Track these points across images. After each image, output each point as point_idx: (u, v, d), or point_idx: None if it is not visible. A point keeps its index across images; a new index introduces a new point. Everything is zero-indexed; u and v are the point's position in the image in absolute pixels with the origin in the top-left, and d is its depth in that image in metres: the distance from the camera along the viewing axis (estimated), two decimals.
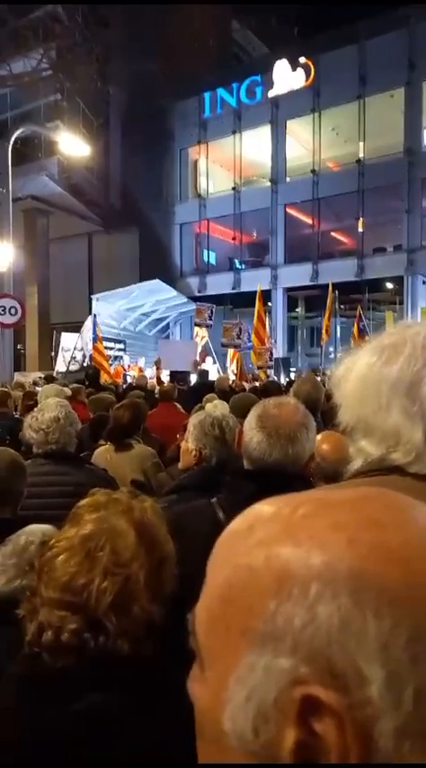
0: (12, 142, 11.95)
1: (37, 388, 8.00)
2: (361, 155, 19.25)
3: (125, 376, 14.04)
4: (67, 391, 5.73)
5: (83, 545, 0.87)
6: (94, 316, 13.60)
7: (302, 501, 0.38)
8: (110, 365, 13.88)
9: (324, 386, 3.21)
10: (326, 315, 13.01)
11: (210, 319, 13.04)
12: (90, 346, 13.74)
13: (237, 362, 12.51)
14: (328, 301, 12.97)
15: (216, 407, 3.50)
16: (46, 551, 0.90)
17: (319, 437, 2.04)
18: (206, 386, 7.88)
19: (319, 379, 5.17)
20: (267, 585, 0.34)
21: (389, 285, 20.48)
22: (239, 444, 1.44)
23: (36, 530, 1.44)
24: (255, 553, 0.35)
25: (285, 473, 1.33)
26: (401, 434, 0.85)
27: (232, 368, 13.13)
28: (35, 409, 2.89)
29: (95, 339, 12.59)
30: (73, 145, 13.41)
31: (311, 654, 0.31)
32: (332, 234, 21.97)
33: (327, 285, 14.82)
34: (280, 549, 0.35)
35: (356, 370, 0.91)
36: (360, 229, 19.53)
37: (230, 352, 12.96)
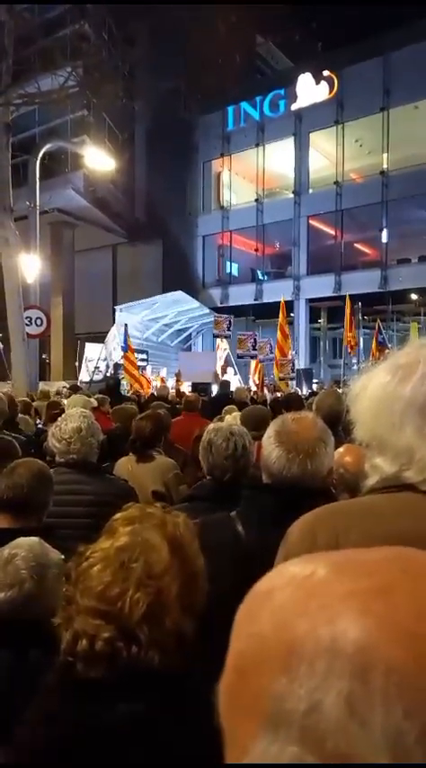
0: (39, 157, 12.24)
1: (62, 399, 8.13)
2: (385, 166, 19.21)
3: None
4: (93, 402, 5.82)
5: (117, 556, 0.89)
6: (125, 326, 13.77)
7: (324, 562, 0.35)
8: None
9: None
10: (347, 327, 12.92)
11: (229, 330, 13.11)
12: (116, 355, 13.88)
13: (259, 373, 12.51)
14: (346, 313, 12.89)
15: (236, 419, 3.52)
16: (82, 561, 0.93)
17: (342, 449, 2.05)
18: (226, 397, 7.90)
19: (341, 391, 5.16)
20: (276, 660, 0.31)
21: (414, 296, 20.30)
22: (258, 458, 1.45)
23: (22, 543, 1.48)
24: (267, 621, 0.33)
25: (304, 488, 1.35)
26: (414, 453, 0.86)
27: (254, 378, 13.14)
28: (59, 419, 2.95)
29: (126, 349, 12.72)
30: (98, 159, 13.67)
31: (317, 742, 0.28)
32: (356, 245, 21.91)
33: (351, 296, 14.78)
34: (292, 618, 0.32)
35: (371, 389, 0.93)
36: (384, 240, 19.43)
37: (253, 363, 12.98)
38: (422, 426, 0.85)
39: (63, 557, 1.42)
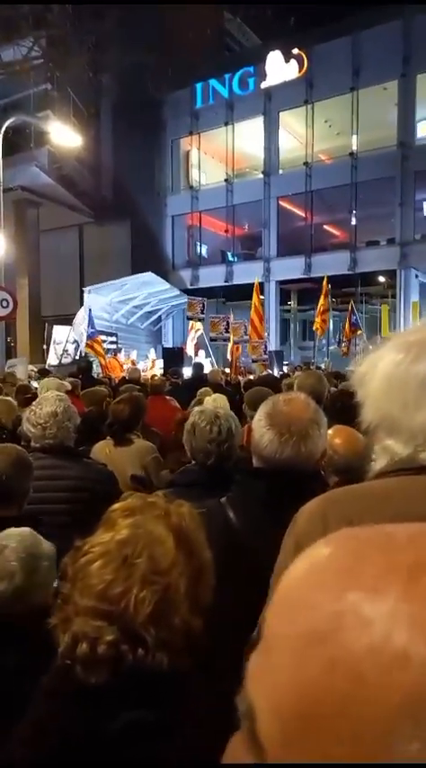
0: (2, 132, 11.78)
1: (32, 383, 7.93)
2: (354, 147, 19.21)
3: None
4: (67, 385, 5.69)
5: (119, 551, 0.83)
6: (89, 310, 13.48)
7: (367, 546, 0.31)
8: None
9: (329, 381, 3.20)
10: (319, 309, 12.98)
11: (202, 312, 13.02)
12: (84, 339, 13.63)
13: (233, 356, 12.50)
14: (322, 296, 12.94)
15: (215, 401, 3.47)
16: (79, 557, 0.86)
17: (331, 431, 2.02)
18: (200, 379, 7.85)
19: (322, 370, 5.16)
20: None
21: (382, 279, 20.52)
22: (248, 442, 1.40)
23: (12, 533, 1.40)
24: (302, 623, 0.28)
25: (298, 472, 1.31)
26: None
27: (233, 360, 13.11)
28: (33, 403, 2.85)
29: (94, 334, 12.48)
30: (63, 135, 13.25)
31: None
32: (325, 227, 21.94)
33: (319, 278, 14.81)
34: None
35: (381, 368, 0.88)
36: (353, 222, 19.53)
37: (229, 345, 12.96)
38: None
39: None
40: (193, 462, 2.19)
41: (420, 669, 0.23)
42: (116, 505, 0.93)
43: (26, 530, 1.43)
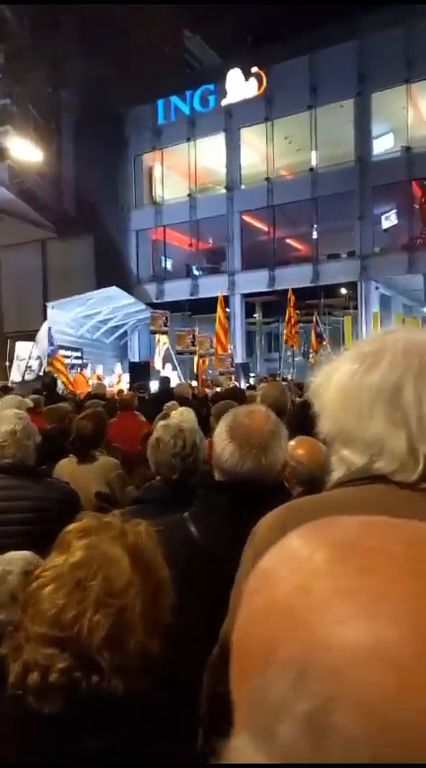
0: None
1: None
2: (314, 163, 19.66)
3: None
4: (28, 402, 5.56)
5: (72, 574, 0.79)
6: (49, 328, 13.28)
7: (326, 541, 0.32)
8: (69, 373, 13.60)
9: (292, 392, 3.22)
10: (287, 320, 13.15)
11: (166, 326, 13.00)
12: (46, 357, 13.42)
13: (199, 369, 12.51)
14: (289, 307, 13.11)
15: (182, 414, 3.44)
16: (31, 582, 0.82)
17: (293, 442, 2.03)
18: (167, 393, 7.81)
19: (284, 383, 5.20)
20: (257, 652, 0.28)
21: (343, 291, 20.95)
22: (210, 456, 1.39)
23: (14, 558, 1.34)
24: (258, 607, 0.30)
25: (259, 484, 1.30)
26: (384, 443, 0.83)
27: (200, 374, 13.10)
28: None
29: (54, 351, 12.29)
30: (24, 150, 13.13)
31: (271, 749, 0.26)
32: (288, 240, 22.31)
33: (284, 291, 15.02)
34: (275, 612, 0.29)
35: (336, 379, 0.89)
36: (315, 236, 19.92)
37: (196, 359, 12.95)
38: (392, 416, 0.82)
39: None
40: (158, 478, 2.16)
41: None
42: (70, 527, 0.90)
43: (28, 553, 1.37)
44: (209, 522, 1.32)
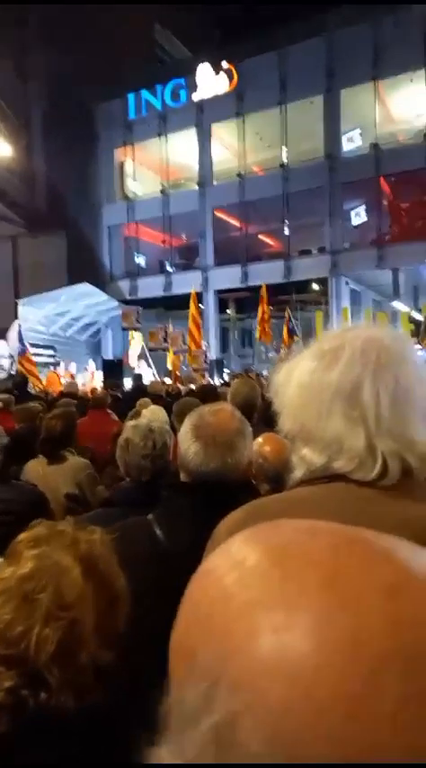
0: None
1: None
2: (285, 159, 19.74)
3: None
4: None
5: (20, 587, 0.76)
6: (19, 326, 13.04)
7: (262, 545, 0.31)
8: (40, 372, 13.38)
9: (261, 386, 3.22)
10: (259, 317, 13.16)
11: (138, 322, 12.90)
12: (16, 358, 13.17)
13: (173, 366, 12.44)
14: (262, 304, 13.13)
15: (153, 413, 3.42)
16: None
17: (260, 439, 2.02)
18: (140, 390, 7.75)
19: (255, 378, 5.20)
20: (182, 652, 0.29)
21: (315, 286, 21.14)
22: (174, 455, 1.37)
23: None
24: (189, 609, 0.30)
25: (225, 482, 1.29)
26: (343, 441, 0.83)
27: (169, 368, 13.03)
28: None
29: (24, 351, 12.06)
30: None
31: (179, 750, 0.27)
32: (260, 236, 22.38)
33: (256, 287, 15.06)
34: (202, 615, 0.29)
35: (296, 377, 0.88)
36: (286, 232, 20.02)
37: (169, 355, 12.88)
38: (351, 414, 0.81)
39: None
40: (128, 479, 2.14)
41: None
42: (21, 536, 0.86)
43: None
44: (174, 523, 1.31)
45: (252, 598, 0.27)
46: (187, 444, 1.31)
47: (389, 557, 0.28)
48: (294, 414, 0.88)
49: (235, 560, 0.31)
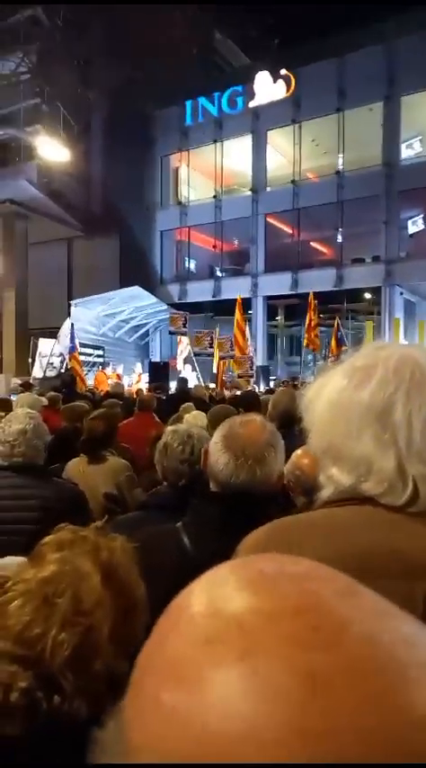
0: None
1: (12, 397, 7.85)
2: (341, 166, 19.50)
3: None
4: (43, 401, 5.61)
5: (40, 589, 0.77)
6: (72, 325, 13.43)
7: (235, 578, 0.29)
8: (88, 372, 13.73)
9: None
10: (307, 324, 13.02)
11: (185, 327, 13.02)
12: (67, 355, 13.60)
13: (219, 371, 12.47)
14: (310, 311, 12.99)
15: (195, 419, 3.43)
16: (0, 594, 0.80)
17: (299, 451, 1.99)
18: (184, 394, 7.81)
19: (298, 389, 5.14)
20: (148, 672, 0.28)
21: (367, 295, 20.73)
22: (205, 464, 1.37)
23: (8, 563, 1.34)
24: (156, 632, 0.29)
25: (253, 495, 1.28)
26: (372, 463, 0.80)
27: (219, 375, 13.06)
28: (3, 420, 2.79)
29: (74, 348, 12.43)
30: (53, 149, 13.29)
31: None
32: (312, 244, 22.16)
33: (306, 294, 14.90)
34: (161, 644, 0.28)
35: (326, 394, 0.86)
36: (339, 240, 19.75)
37: (215, 360, 12.93)
38: (381, 434, 0.79)
39: None
40: (165, 483, 2.15)
41: None
42: (47, 539, 0.88)
43: (23, 559, 1.37)
44: (202, 532, 1.31)
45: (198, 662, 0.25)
46: (217, 455, 1.31)
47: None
48: (322, 431, 0.86)
49: (204, 602, 0.28)
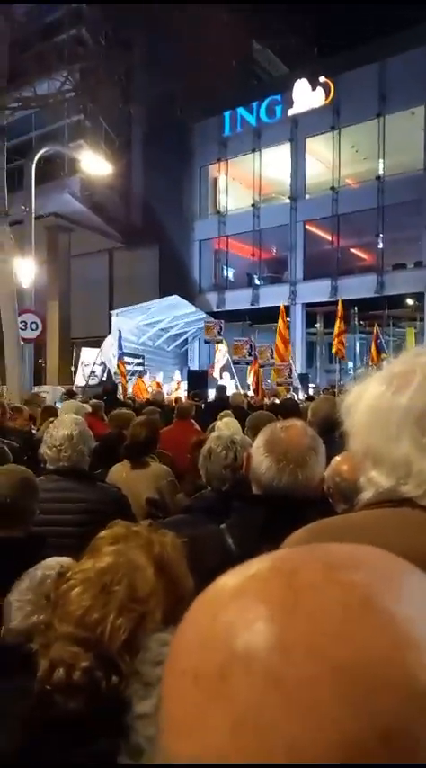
0: (35, 161, 12.21)
1: (57, 404, 8.07)
2: (381, 171, 19.27)
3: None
4: (87, 407, 5.76)
5: (99, 578, 0.84)
6: (119, 332, 13.74)
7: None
8: (129, 380, 13.97)
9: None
10: (336, 331, 12.87)
11: (220, 335, 13.08)
12: (115, 362, 13.91)
13: (256, 378, 12.45)
14: (337, 317, 12.85)
15: (227, 425, 3.47)
16: (62, 583, 0.87)
17: (339, 457, 2.01)
18: (222, 402, 7.85)
19: (337, 396, 5.11)
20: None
21: (410, 301, 20.32)
22: (247, 469, 1.41)
23: (53, 563, 1.42)
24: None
25: (295, 499, 1.30)
26: (411, 465, 0.82)
27: (248, 381, 13.06)
28: (50, 426, 2.90)
29: (122, 356, 12.73)
30: (95, 163, 13.63)
31: None
32: (352, 250, 21.94)
33: (347, 301, 14.73)
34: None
35: (365, 399, 0.89)
36: (380, 246, 19.48)
37: (252, 369, 12.95)
38: (420, 438, 0.81)
39: None
40: (209, 488, 2.20)
41: None
42: (102, 533, 0.95)
43: (67, 559, 1.45)
44: (245, 534, 1.34)
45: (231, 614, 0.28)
46: (260, 459, 1.35)
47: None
48: (362, 434, 0.89)
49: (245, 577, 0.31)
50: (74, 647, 0.78)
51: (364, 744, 0.22)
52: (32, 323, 11.03)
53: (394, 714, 0.23)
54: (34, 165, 12.07)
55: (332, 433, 2.84)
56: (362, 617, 0.25)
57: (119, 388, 12.17)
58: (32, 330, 11.05)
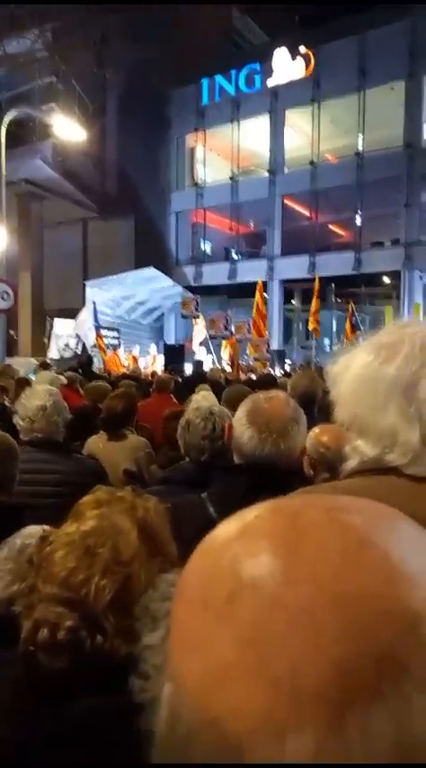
0: (5, 124, 11.74)
1: (30, 376, 7.94)
2: (360, 147, 19.15)
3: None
4: (63, 379, 5.69)
5: (83, 541, 0.85)
6: (94, 304, 13.52)
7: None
8: (107, 353, 13.84)
9: (322, 379, 3.20)
10: (313, 308, 12.95)
11: (197, 310, 13.02)
12: (92, 335, 13.73)
13: (231, 354, 12.47)
14: (314, 294, 12.92)
15: (205, 398, 3.47)
16: (45, 546, 0.88)
17: (317, 429, 2.03)
18: (199, 376, 7.85)
19: (316, 371, 5.15)
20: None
21: (386, 279, 20.50)
22: (229, 439, 1.41)
23: (33, 531, 1.41)
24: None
25: (277, 468, 1.31)
26: (397, 435, 0.83)
27: (223, 356, 13.07)
28: (23, 396, 2.84)
29: (99, 328, 12.57)
30: (68, 128, 13.18)
31: None
32: (330, 226, 21.90)
33: (324, 278, 14.78)
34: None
35: (352, 369, 0.89)
36: (358, 222, 19.48)
37: (224, 344, 12.95)
38: (406, 408, 0.82)
39: None
40: (187, 459, 2.20)
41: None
42: (84, 498, 0.95)
43: (47, 528, 1.44)
44: (227, 503, 1.34)
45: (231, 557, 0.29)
46: (242, 429, 1.34)
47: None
48: (348, 404, 0.89)
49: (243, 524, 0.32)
50: (58, 608, 0.79)
51: (358, 666, 0.24)
52: (4, 292, 10.76)
53: (388, 643, 0.25)
54: (4, 128, 11.62)
55: (311, 406, 2.87)
56: (360, 553, 0.27)
57: (97, 361, 12.05)
58: (3, 300, 10.79)
